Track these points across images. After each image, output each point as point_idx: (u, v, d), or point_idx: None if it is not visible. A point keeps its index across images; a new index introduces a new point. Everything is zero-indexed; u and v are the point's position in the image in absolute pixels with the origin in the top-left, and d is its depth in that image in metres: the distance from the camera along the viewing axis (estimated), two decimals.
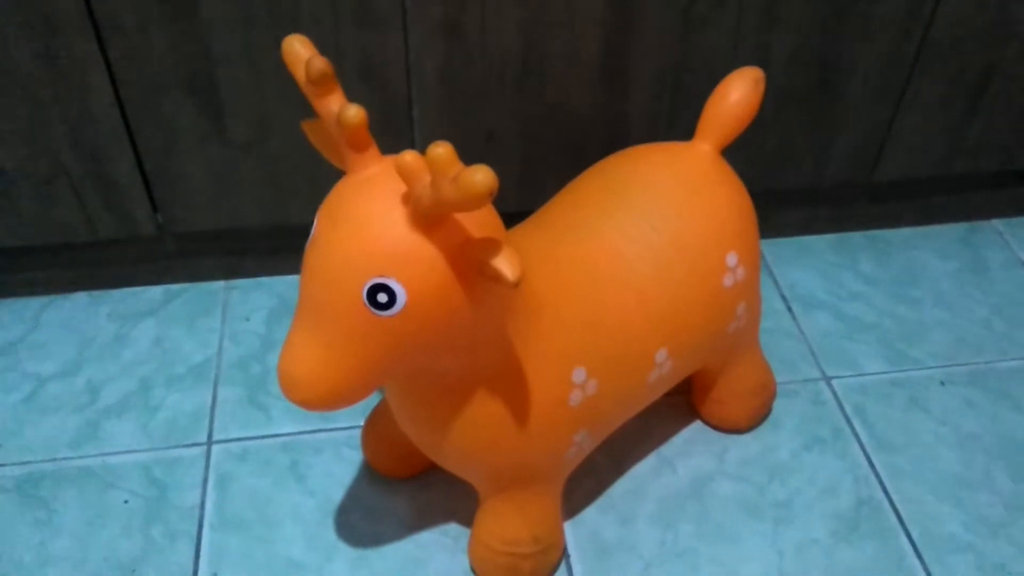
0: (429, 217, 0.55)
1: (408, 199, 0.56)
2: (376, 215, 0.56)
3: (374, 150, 0.58)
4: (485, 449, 0.69)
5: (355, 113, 0.55)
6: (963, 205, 1.19)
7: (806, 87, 0.99)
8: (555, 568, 0.80)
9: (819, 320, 1.06)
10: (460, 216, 0.57)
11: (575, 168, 0.83)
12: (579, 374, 0.69)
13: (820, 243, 1.16)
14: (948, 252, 1.16)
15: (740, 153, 1.02)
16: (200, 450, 0.90)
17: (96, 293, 1.06)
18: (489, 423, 0.68)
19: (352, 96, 0.89)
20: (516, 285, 0.53)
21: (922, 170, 1.10)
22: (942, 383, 0.99)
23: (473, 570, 0.80)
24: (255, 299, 1.06)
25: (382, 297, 0.56)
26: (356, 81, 0.90)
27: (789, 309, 1.07)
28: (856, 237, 1.18)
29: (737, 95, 0.78)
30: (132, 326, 1.02)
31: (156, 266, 1.05)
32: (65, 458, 0.89)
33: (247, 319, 1.04)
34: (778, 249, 1.15)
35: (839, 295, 1.09)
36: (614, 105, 0.96)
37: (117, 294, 1.06)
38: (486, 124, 0.95)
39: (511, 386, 0.67)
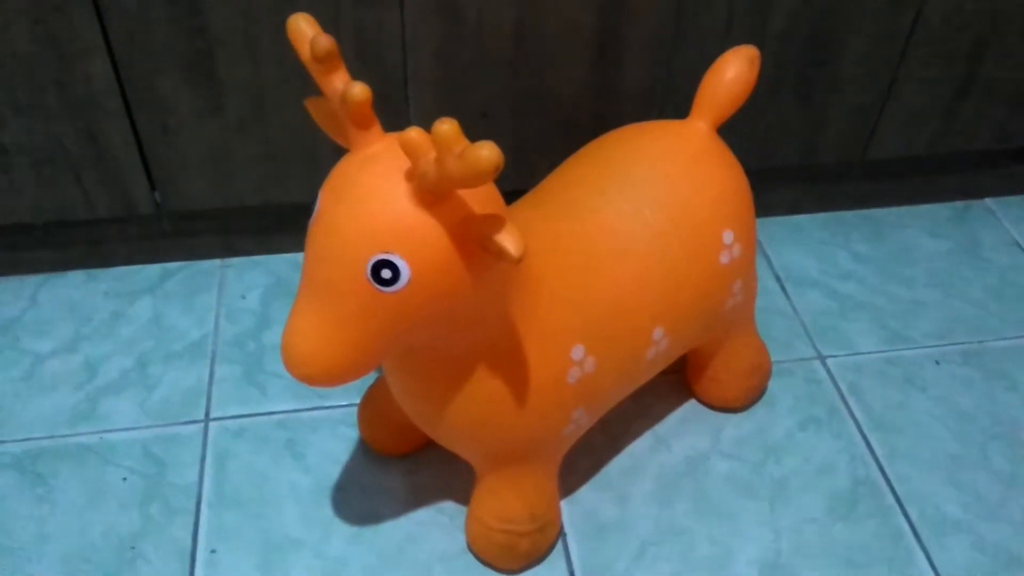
0: (433, 193, 0.55)
1: (412, 175, 0.56)
2: (380, 191, 0.56)
3: (377, 127, 0.59)
4: (483, 426, 0.70)
5: (360, 91, 0.55)
6: (955, 183, 1.19)
7: (799, 65, 0.99)
8: (552, 546, 0.81)
9: (813, 299, 1.06)
10: (463, 192, 0.57)
11: (569, 147, 0.83)
12: (577, 351, 0.70)
13: (812, 222, 1.17)
14: (940, 231, 1.16)
15: (733, 131, 1.01)
16: (198, 427, 0.90)
17: (93, 271, 1.06)
18: (488, 400, 0.68)
19: (350, 70, 0.88)
20: (519, 261, 0.54)
21: (914, 148, 1.10)
22: (937, 362, 0.99)
23: (470, 548, 0.81)
24: (251, 277, 1.06)
25: (386, 273, 0.56)
26: (352, 59, 0.89)
27: (782, 288, 1.07)
28: (848, 216, 1.18)
29: (733, 73, 0.77)
30: (129, 304, 1.02)
31: (153, 244, 1.05)
32: (64, 435, 0.89)
33: (243, 297, 1.04)
34: (771, 228, 1.15)
35: (832, 274, 1.09)
36: (608, 84, 0.96)
37: (114, 272, 1.06)
38: (481, 103, 0.95)
39: (510, 363, 0.67)
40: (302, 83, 0.91)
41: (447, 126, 0.51)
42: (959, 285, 1.08)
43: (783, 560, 0.81)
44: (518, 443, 0.72)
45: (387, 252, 0.56)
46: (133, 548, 0.80)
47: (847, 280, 1.08)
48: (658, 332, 0.75)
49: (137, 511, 0.83)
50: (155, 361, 0.96)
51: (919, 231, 1.16)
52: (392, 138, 0.59)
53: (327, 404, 0.93)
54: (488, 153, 0.49)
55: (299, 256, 1.08)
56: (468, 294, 0.59)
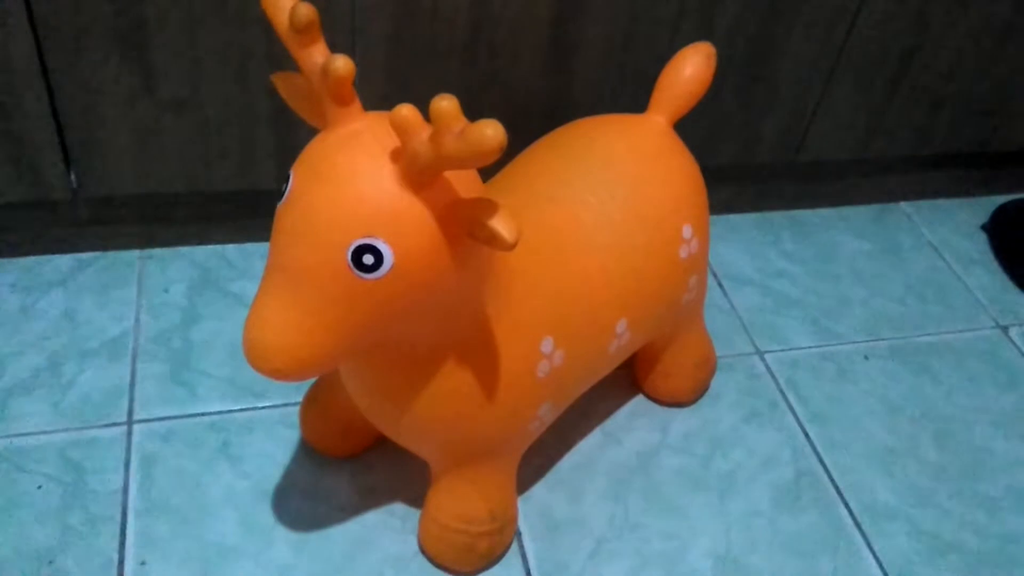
0: (422, 175, 0.52)
1: (398, 155, 0.53)
2: (362, 172, 0.53)
3: (358, 105, 0.55)
4: (449, 422, 0.67)
5: (343, 64, 0.51)
6: (874, 188, 1.23)
7: (741, 66, 1.00)
8: (508, 547, 0.79)
9: (748, 296, 1.07)
10: (448, 176, 0.54)
11: (521, 136, 0.81)
12: (547, 344, 0.68)
13: (744, 221, 1.18)
14: (862, 232, 1.19)
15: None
16: (120, 430, 0.84)
17: None
18: (456, 395, 0.65)
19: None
20: (513, 246, 0.51)
21: (841, 152, 1.13)
22: (866, 357, 1.02)
23: (424, 550, 0.77)
24: (174, 270, 1.00)
25: (368, 259, 0.53)
26: None
27: (720, 285, 1.08)
28: (777, 216, 1.20)
29: (691, 69, 0.78)
30: (38, 297, 0.94)
31: (65, 233, 0.97)
32: None
33: (166, 291, 0.97)
34: None
35: (766, 272, 1.11)
36: (561, 75, 0.95)
37: (21, 263, 0.97)
38: (432, 90, 0.92)
39: (481, 356, 0.65)
40: (241, 61, 0.86)
41: (447, 103, 0.48)
42: (882, 284, 1.12)
43: (734, 552, 0.81)
44: (484, 439, 0.69)
45: (370, 236, 0.53)
46: (51, 563, 0.74)
47: (780, 278, 1.10)
48: (621, 325, 0.74)
49: (55, 522, 0.76)
50: (69, 359, 0.89)
51: (843, 232, 1.19)
52: (374, 116, 0.56)
53: (262, 404, 0.88)
54: (493, 131, 0.46)
55: (227, 248, 1.03)
56: (450, 283, 0.57)
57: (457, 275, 0.57)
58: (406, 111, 0.50)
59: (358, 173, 0.53)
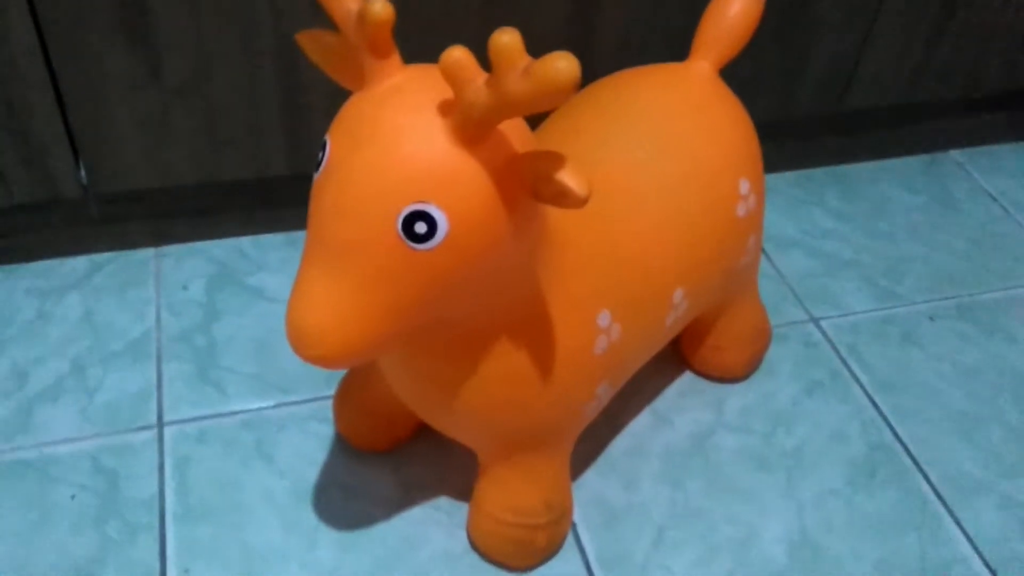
0: (478, 128, 0.47)
1: (448, 108, 0.47)
2: (409, 130, 0.47)
3: (397, 57, 0.50)
4: (503, 407, 0.62)
5: (382, 7, 0.46)
6: (920, 137, 1.16)
7: (779, 12, 0.94)
8: (565, 538, 0.74)
9: (796, 259, 1.01)
10: (501, 129, 0.49)
11: None
12: (604, 318, 0.62)
13: (782, 180, 1.12)
14: (913, 185, 1.13)
15: None
16: (151, 433, 0.80)
17: (10, 267, 0.93)
18: (510, 378, 0.60)
19: (304, 24, 0.79)
20: (585, 201, 0.46)
21: (887, 99, 1.06)
22: (931, 318, 0.96)
23: (476, 547, 0.72)
24: (190, 266, 0.95)
25: (420, 227, 0.48)
26: (306, 7, 0.80)
27: (763, 249, 1.02)
28: (818, 173, 1.14)
29: (737, 8, 0.71)
30: (56, 301, 0.90)
31: (77, 233, 0.93)
32: None
33: (184, 288, 0.93)
34: None
35: (812, 233, 1.05)
36: (583, 27, 0.88)
37: (34, 267, 0.93)
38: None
39: (535, 334, 0.59)
40: (247, 40, 0.81)
41: (508, 37, 0.42)
42: (940, 238, 1.05)
43: (810, 536, 0.76)
44: (539, 425, 0.64)
45: (423, 202, 0.47)
46: (92, 575, 0.70)
47: (828, 238, 1.04)
48: (678, 294, 0.68)
49: (92, 532, 0.72)
50: (93, 363, 0.85)
51: (892, 185, 1.12)
52: (416, 68, 0.50)
53: (293, 399, 0.83)
54: (567, 63, 0.41)
55: (242, 241, 0.98)
56: (506, 251, 0.51)
57: (513, 242, 0.52)
58: (459, 53, 0.45)
59: (404, 132, 0.48)
